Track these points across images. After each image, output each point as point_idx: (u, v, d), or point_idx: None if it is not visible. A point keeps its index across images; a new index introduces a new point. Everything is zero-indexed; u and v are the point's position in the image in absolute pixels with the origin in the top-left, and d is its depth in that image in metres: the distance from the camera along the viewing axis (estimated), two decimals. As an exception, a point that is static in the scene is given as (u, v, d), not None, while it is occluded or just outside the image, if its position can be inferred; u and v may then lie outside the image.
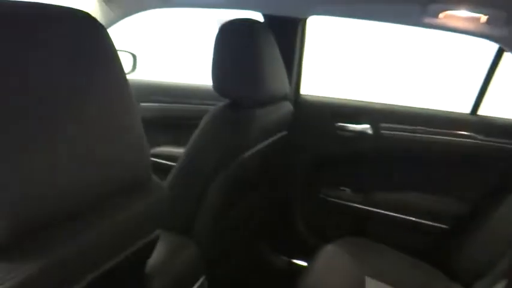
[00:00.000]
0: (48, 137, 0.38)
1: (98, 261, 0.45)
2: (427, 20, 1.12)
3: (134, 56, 1.72)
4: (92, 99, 0.43)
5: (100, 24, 0.46)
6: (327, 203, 1.53)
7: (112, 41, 0.47)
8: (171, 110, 1.80)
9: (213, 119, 1.00)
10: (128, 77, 1.60)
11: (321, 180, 1.55)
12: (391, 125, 1.44)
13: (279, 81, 1.12)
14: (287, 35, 1.42)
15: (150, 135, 1.75)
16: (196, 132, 1.00)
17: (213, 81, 1.01)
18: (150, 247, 0.57)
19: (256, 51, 1.01)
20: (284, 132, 1.25)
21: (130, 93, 0.49)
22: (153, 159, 1.73)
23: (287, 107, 1.24)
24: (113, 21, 1.57)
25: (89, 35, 0.44)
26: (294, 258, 1.61)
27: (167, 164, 1.68)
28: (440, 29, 1.20)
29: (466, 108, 1.46)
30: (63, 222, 0.41)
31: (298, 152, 1.52)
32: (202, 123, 1.00)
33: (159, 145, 1.81)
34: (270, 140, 1.15)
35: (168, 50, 4.38)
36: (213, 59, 1.00)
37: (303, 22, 1.44)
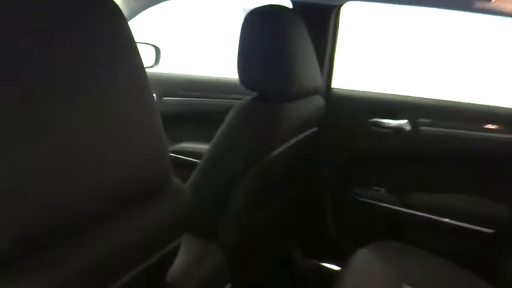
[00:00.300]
0: (54, 135, 0.34)
1: (112, 276, 0.42)
2: (479, 4, 1.04)
3: (157, 49, 1.72)
4: (106, 91, 0.39)
5: (118, 9, 0.42)
6: (359, 203, 1.48)
7: (129, 28, 0.44)
8: (196, 105, 1.78)
9: (239, 114, 0.97)
10: (151, 70, 1.59)
11: (353, 179, 1.50)
12: (430, 121, 1.36)
13: (311, 74, 1.08)
14: (318, 23, 1.36)
15: (174, 130, 1.75)
16: (222, 128, 0.98)
17: (239, 74, 0.98)
18: (171, 256, 0.54)
19: (285, 40, 0.96)
20: (315, 129, 1.21)
21: (149, 86, 0.45)
22: (176, 155, 1.74)
23: (318, 101, 1.19)
24: (135, 12, 1.57)
25: (106, 19, 0.41)
26: (324, 262, 1.56)
27: (191, 160, 1.68)
28: (493, 14, 1.12)
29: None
30: (73, 233, 0.37)
31: (329, 149, 1.47)
32: (227, 118, 0.98)
33: (182, 141, 1.80)
34: (300, 136, 1.11)
35: (192, 42, 4.40)
36: (239, 49, 0.97)
37: (337, 9, 1.38)
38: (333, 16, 1.38)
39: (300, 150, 1.17)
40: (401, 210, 1.41)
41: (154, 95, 1.66)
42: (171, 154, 1.87)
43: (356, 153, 1.48)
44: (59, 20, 0.36)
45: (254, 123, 0.96)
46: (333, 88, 1.49)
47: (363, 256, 1.14)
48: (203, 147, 1.67)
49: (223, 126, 0.98)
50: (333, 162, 1.50)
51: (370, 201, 1.46)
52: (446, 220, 1.35)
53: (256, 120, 0.96)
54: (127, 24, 0.43)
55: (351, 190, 1.50)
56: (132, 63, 0.43)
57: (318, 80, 1.13)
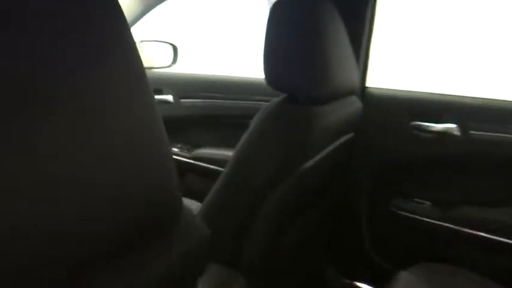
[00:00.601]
0: (28, 155, 0.28)
1: None
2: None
3: (175, 48, 1.71)
4: (95, 94, 0.33)
5: (118, 8, 0.38)
6: (399, 217, 1.41)
7: (129, 28, 0.39)
8: (216, 107, 1.75)
9: (267, 118, 0.92)
10: (168, 70, 1.55)
11: (393, 190, 1.43)
12: (484, 125, 1.27)
13: (347, 71, 1.01)
14: (354, 13, 1.30)
15: (192, 135, 1.71)
16: (247, 133, 0.93)
17: (266, 73, 0.93)
18: None
19: (318, 33, 0.90)
20: (351, 134, 1.15)
21: (150, 90, 0.38)
22: (195, 162, 1.71)
23: (355, 103, 1.13)
24: (150, 7, 1.55)
25: (105, 19, 0.35)
26: (358, 281, 1.51)
27: (211, 168, 1.65)
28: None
29: None
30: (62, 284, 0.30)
31: (365, 156, 1.41)
32: (253, 123, 0.93)
33: (200, 146, 1.78)
34: (336, 144, 1.05)
35: (213, 38, 4.39)
36: (265, 45, 0.93)
37: None
38: (370, 5, 1.31)
39: (336, 159, 1.11)
40: (447, 226, 1.33)
41: (171, 96, 1.63)
42: (189, 161, 1.83)
43: (395, 161, 1.41)
44: (56, 19, 0.32)
45: (284, 128, 0.91)
46: (368, 87, 1.42)
47: (404, 280, 1.08)
48: (224, 153, 1.65)
49: (249, 131, 0.93)
50: (370, 171, 1.43)
51: (411, 215, 1.39)
52: (500, 239, 1.26)
53: (286, 125, 0.91)
54: (127, 24, 0.38)
55: (390, 202, 1.43)
56: (131, 66, 0.37)
57: (355, 79, 1.07)
